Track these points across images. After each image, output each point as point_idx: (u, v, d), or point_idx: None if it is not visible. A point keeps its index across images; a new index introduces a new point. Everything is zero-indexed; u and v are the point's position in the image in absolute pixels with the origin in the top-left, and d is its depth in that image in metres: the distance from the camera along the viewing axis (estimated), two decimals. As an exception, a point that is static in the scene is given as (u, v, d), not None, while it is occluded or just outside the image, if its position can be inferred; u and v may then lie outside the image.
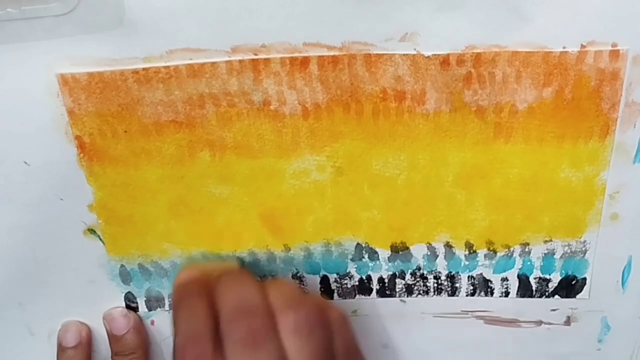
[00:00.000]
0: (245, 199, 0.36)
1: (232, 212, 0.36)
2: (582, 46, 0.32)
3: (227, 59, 0.32)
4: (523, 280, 0.39)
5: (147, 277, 0.38)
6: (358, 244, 0.38)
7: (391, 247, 0.38)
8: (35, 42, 0.31)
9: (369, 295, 0.39)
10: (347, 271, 0.39)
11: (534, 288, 0.39)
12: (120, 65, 0.32)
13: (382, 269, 0.39)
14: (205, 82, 0.33)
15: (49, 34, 0.31)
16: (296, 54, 0.32)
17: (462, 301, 0.40)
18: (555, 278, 0.39)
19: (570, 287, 0.39)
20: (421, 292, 0.39)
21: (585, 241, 0.37)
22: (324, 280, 0.39)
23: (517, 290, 0.39)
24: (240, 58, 0.32)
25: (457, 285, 0.39)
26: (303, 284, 0.39)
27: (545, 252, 0.38)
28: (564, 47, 0.32)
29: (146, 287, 0.39)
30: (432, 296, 0.39)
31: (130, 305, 0.39)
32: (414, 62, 0.32)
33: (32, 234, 0.36)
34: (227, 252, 0.38)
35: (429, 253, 0.38)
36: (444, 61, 0.32)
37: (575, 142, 0.34)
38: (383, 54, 0.32)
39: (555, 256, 0.38)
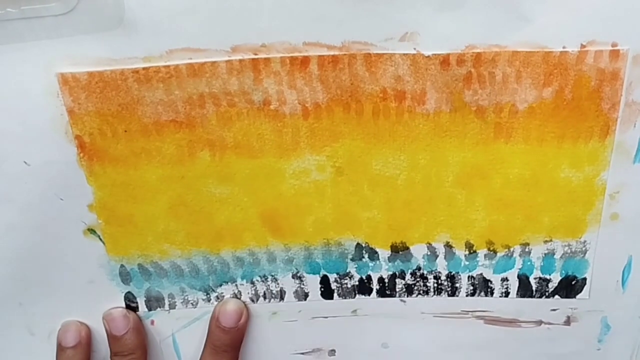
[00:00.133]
0: (245, 199, 0.36)
1: (232, 212, 0.36)
2: (582, 46, 0.32)
3: (227, 58, 0.32)
4: (523, 280, 0.39)
5: (147, 277, 0.38)
6: (358, 243, 0.38)
7: (391, 247, 0.38)
8: (35, 42, 0.31)
9: (369, 295, 0.39)
10: (347, 271, 0.39)
11: (534, 288, 0.39)
12: (121, 65, 0.32)
13: (382, 269, 0.39)
14: (206, 82, 0.33)
15: (49, 34, 0.31)
16: (296, 54, 0.32)
17: (462, 301, 0.40)
18: (556, 278, 0.39)
19: (570, 287, 0.39)
20: (421, 292, 0.39)
21: (585, 241, 0.37)
22: (324, 280, 0.39)
23: (517, 291, 0.39)
24: (241, 58, 0.32)
25: (457, 285, 0.39)
26: (303, 284, 0.39)
27: (546, 252, 0.38)
28: (564, 47, 0.32)
29: (146, 287, 0.39)
30: (432, 296, 0.39)
31: (130, 305, 0.39)
32: (414, 62, 0.32)
33: (32, 234, 0.36)
34: (227, 252, 0.38)
35: (429, 253, 0.38)
36: (444, 61, 0.32)
37: (575, 142, 0.34)
38: (383, 54, 0.32)
39: (555, 256, 0.38)
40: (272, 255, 0.38)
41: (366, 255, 0.38)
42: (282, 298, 0.39)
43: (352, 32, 0.32)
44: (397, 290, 0.39)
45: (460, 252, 0.38)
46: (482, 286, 0.39)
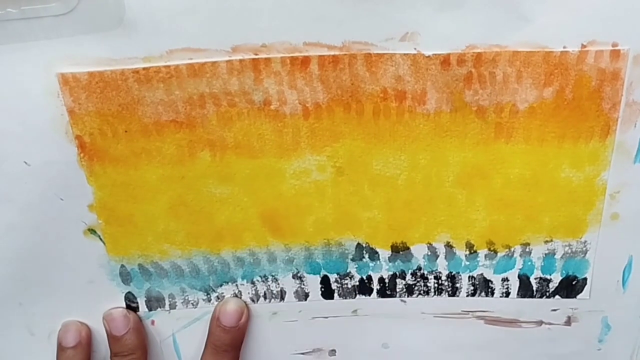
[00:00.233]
0: (246, 199, 0.36)
1: (232, 212, 0.36)
2: (583, 46, 0.32)
3: (228, 58, 0.32)
4: (524, 280, 0.39)
5: (147, 277, 0.38)
6: (358, 244, 0.38)
7: (392, 247, 0.38)
8: (35, 42, 0.31)
9: (370, 295, 0.39)
10: (348, 271, 0.39)
11: (534, 288, 0.39)
12: (121, 65, 0.32)
13: (383, 269, 0.39)
14: (206, 82, 0.33)
15: (49, 34, 0.31)
16: (297, 54, 0.32)
17: (463, 301, 0.40)
18: (556, 278, 0.39)
19: (570, 287, 0.39)
20: (422, 292, 0.39)
21: (585, 241, 0.37)
22: (325, 280, 0.39)
23: (518, 291, 0.39)
24: (241, 58, 0.32)
25: (458, 285, 0.39)
26: (303, 284, 0.39)
27: (546, 252, 0.38)
28: (564, 47, 0.32)
29: (146, 287, 0.39)
30: (433, 296, 0.39)
31: (131, 305, 0.39)
32: (414, 62, 0.32)
33: (32, 234, 0.36)
34: (228, 252, 0.38)
35: (429, 253, 0.38)
36: (445, 61, 0.32)
37: (575, 142, 0.34)
38: (383, 54, 0.32)
39: (555, 256, 0.38)
40: (273, 256, 0.38)
41: (366, 256, 0.38)
42: (282, 298, 0.39)
43: (352, 32, 0.32)
44: (398, 290, 0.39)
45: (461, 252, 0.38)
46: (482, 286, 0.39)
